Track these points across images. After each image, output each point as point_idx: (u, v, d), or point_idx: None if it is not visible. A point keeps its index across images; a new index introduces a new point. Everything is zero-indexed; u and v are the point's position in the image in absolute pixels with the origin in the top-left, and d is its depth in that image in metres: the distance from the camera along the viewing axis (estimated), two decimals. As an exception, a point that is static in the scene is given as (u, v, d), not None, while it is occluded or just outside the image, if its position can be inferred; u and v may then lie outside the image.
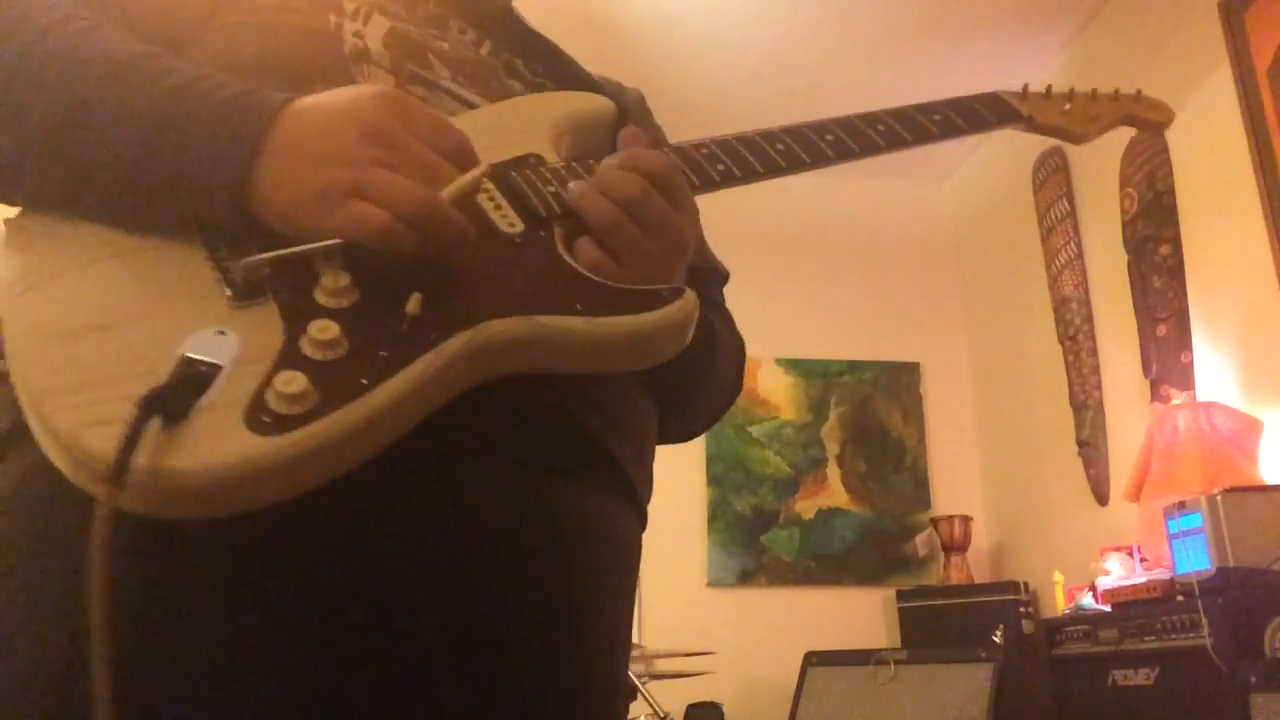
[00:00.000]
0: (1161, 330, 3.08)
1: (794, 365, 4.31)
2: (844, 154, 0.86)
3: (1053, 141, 3.75)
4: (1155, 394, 3.07)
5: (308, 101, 0.66)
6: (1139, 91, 1.08)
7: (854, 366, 4.33)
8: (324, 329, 0.59)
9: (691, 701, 3.50)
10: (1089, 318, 3.54)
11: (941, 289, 4.48)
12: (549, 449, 0.73)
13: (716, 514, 4.10)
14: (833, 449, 4.25)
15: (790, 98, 3.98)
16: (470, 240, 0.65)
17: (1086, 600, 2.79)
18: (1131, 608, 2.51)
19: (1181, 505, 2.39)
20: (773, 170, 0.82)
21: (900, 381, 4.36)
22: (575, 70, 0.97)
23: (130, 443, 0.52)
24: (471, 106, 0.83)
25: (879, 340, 4.37)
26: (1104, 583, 2.72)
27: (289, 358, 0.58)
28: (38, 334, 0.59)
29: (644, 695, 2.79)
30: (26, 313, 0.60)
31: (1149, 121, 1.09)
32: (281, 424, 0.55)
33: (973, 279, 4.42)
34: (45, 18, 0.70)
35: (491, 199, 0.72)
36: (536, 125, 0.81)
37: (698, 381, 0.93)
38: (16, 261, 0.64)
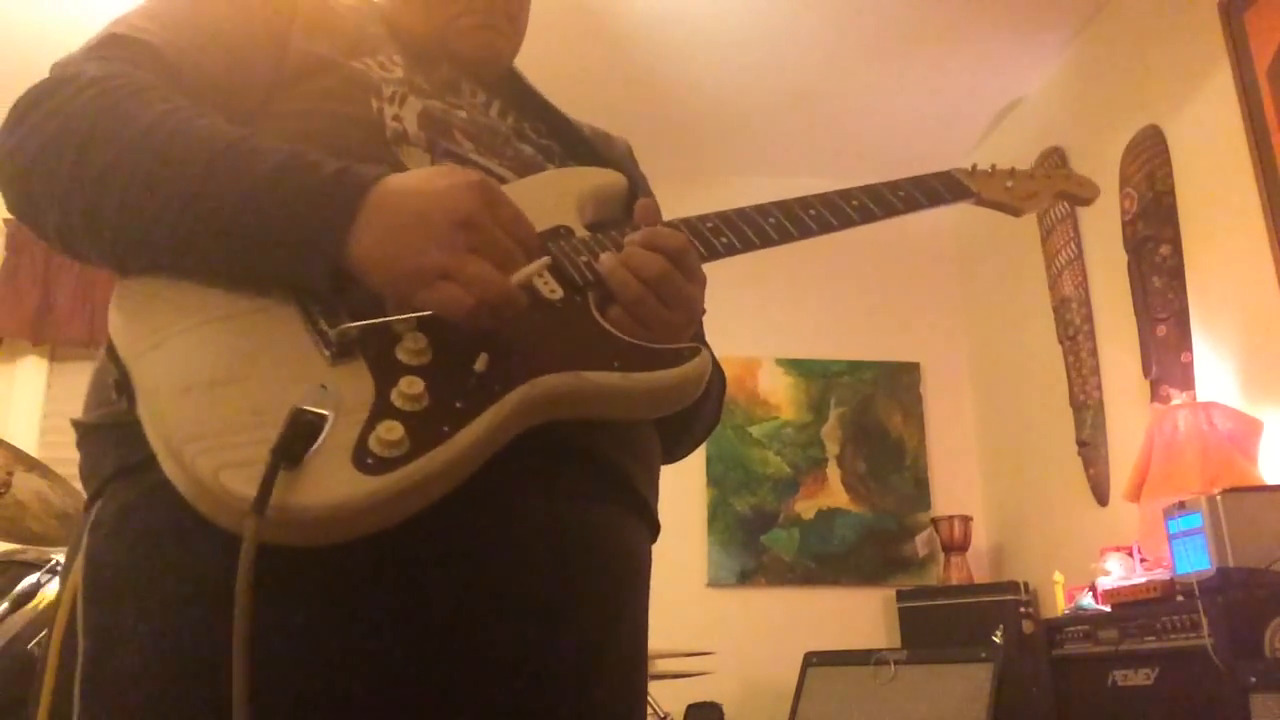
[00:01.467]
0: (1161, 330, 3.08)
1: (794, 365, 4.31)
2: (825, 227, 0.99)
3: (1052, 141, 3.77)
4: (1155, 394, 3.07)
5: (403, 182, 0.76)
6: (1069, 171, 1.22)
7: (854, 366, 4.33)
8: (412, 384, 0.70)
9: (691, 701, 3.50)
10: (1089, 318, 3.54)
11: (941, 289, 4.48)
12: (584, 480, 0.85)
13: (716, 514, 4.10)
14: (833, 449, 4.25)
15: (790, 98, 3.99)
16: (523, 311, 0.76)
17: (1086, 600, 2.79)
18: (1131, 608, 2.51)
19: (1181, 505, 2.39)
20: (767, 241, 0.95)
21: (900, 381, 4.36)
22: (571, 128, 1.10)
23: (267, 483, 0.63)
24: (493, 174, 0.95)
25: (879, 340, 4.37)
26: (1104, 583, 2.71)
27: (383, 408, 0.69)
28: (168, 389, 0.70)
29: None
30: (154, 369, 0.71)
31: (1079, 197, 1.21)
32: (383, 465, 0.66)
33: (973, 279, 4.43)
34: (158, 106, 0.79)
35: (534, 268, 0.83)
36: (564, 198, 0.94)
37: (693, 418, 1.06)
38: (135, 322, 0.75)
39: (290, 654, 0.72)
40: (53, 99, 0.81)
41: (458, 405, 0.70)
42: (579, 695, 0.83)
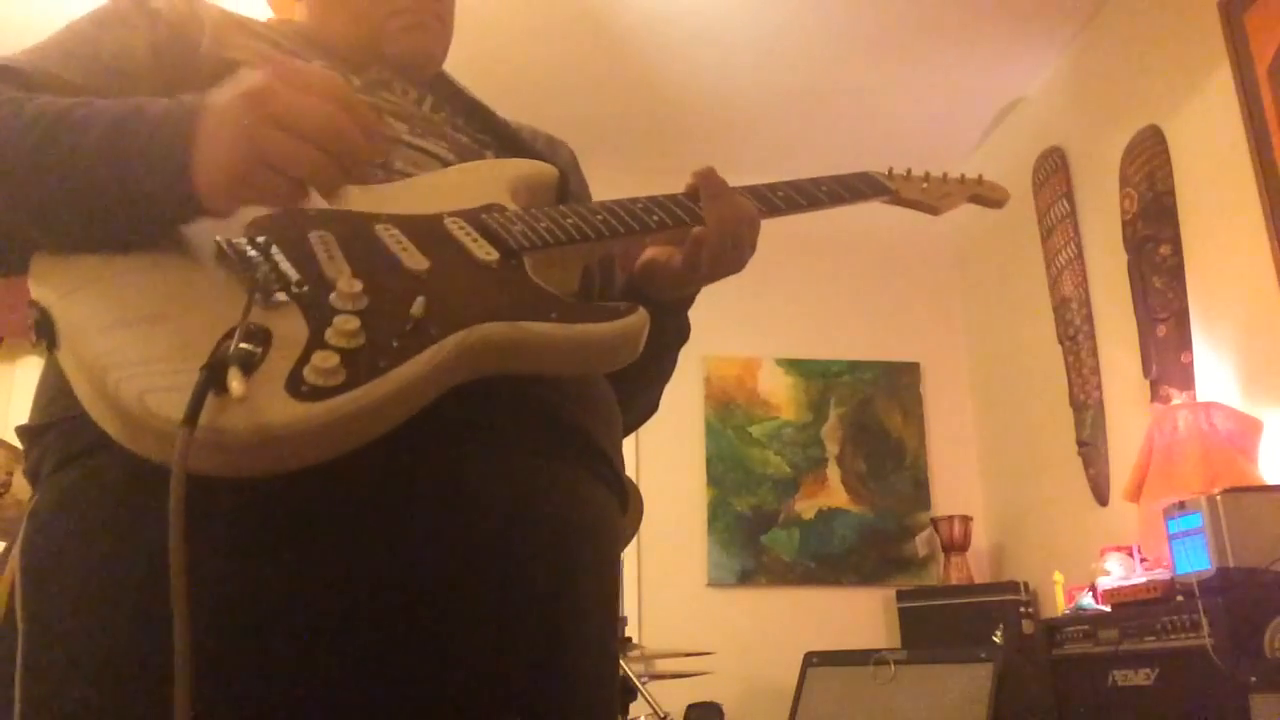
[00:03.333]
0: (1161, 330, 3.08)
1: (794, 365, 4.31)
2: (774, 210, 1.04)
3: (1053, 141, 3.77)
4: (1155, 394, 3.07)
5: (219, 95, 0.75)
6: (980, 176, 1.28)
7: (854, 366, 4.33)
8: (348, 321, 0.69)
9: (691, 701, 3.50)
10: (1089, 318, 3.54)
11: (941, 289, 4.49)
12: (543, 437, 0.85)
13: (716, 514, 4.10)
14: (833, 449, 4.25)
15: (790, 98, 3.99)
16: (381, 144, 0.77)
17: (1086, 600, 2.79)
18: (1131, 608, 2.51)
19: (1181, 505, 2.39)
20: (697, 220, 0.98)
21: (900, 381, 4.36)
22: (504, 127, 1.11)
23: (199, 397, 0.61)
24: (430, 154, 0.98)
25: (879, 340, 4.37)
26: (1104, 583, 2.72)
27: (318, 342, 0.67)
28: (93, 325, 0.68)
29: (644, 695, 2.79)
30: (78, 307, 0.70)
31: (990, 200, 1.27)
32: (318, 393, 0.64)
33: (973, 279, 4.43)
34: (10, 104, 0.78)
35: (469, 234, 0.84)
36: (497, 183, 0.95)
37: (649, 380, 1.10)
38: (58, 271, 0.73)
39: (226, 602, 0.70)
40: None
41: (394, 344, 0.69)
42: (534, 653, 0.81)
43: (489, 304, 0.76)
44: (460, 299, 0.76)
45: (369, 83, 1.03)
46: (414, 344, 0.69)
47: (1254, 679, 1.96)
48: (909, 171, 1.21)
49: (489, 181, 0.95)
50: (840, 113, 4.08)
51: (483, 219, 0.87)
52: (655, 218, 0.94)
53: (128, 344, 0.66)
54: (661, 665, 3.17)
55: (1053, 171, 3.75)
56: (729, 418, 4.22)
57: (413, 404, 0.69)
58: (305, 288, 0.72)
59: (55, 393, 0.79)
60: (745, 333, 4.24)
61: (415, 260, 0.78)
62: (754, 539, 4.10)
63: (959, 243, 4.49)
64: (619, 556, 0.97)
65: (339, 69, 1.00)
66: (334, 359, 0.65)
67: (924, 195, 1.20)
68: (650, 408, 1.15)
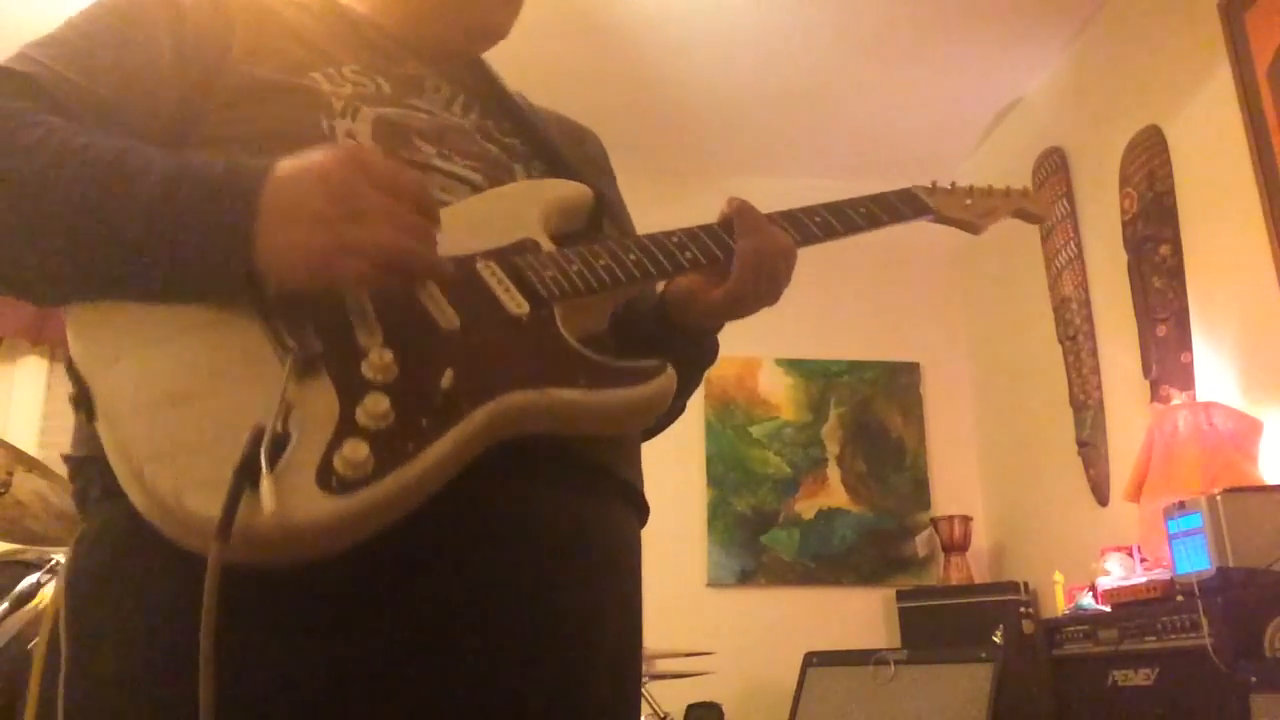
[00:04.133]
0: (1161, 330, 3.08)
1: (794, 365, 4.31)
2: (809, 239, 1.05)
3: (1052, 141, 3.76)
4: (1155, 394, 3.07)
5: (283, 175, 0.74)
6: (1026, 188, 1.24)
7: (854, 366, 4.33)
8: (377, 402, 0.69)
9: (691, 701, 3.50)
10: (1089, 318, 3.54)
11: (941, 289, 4.48)
12: (563, 469, 0.85)
13: (716, 514, 4.10)
14: (833, 449, 4.25)
15: (790, 98, 3.98)
16: (443, 272, 0.78)
17: (1086, 600, 2.79)
18: (1131, 608, 2.51)
19: (1181, 505, 2.39)
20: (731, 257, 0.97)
21: (900, 381, 4.36)
22: (535, 126, 1.08)
23: (230, 508, 0.62)
24: (458, 178, 0.95)
25: (879, 340, 4.37)
26: (1104, 583, 2.71)
27: (348, 425, 0.68)
28: (128, 406, 0.69)
29: (644, 695, 2.79)
30: (114, 384, 0.70)
31: (1034, 215, 1.25)
32: (347, 486, 0.65)
33: (973, 279, 4.43)
34: (31, 134, 0.76)
35: (500, 282, 0.83)
36: (529, 210, 0.93)
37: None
38: (93, 336, 0.73)
39: (264, 677, 0.72)
40: None
41: (424, 423, 0.70)
42: (570, 687, 0.83)
43: (517, 369, 0.77)
44: (490, 364, 0.76)
45: (400, 84, 0.99)
46: (442, 421, 0.71)
47: (1254, 679, 1.96)
48: (953, 184, 1.18)
49: (521, 210, 0.93)
50: (840, 113, 4.08)
51: (515, 262, 0.85)
52: (689, 254, 0.93)
53: (163, 430, 0.67)
54: (661, 665, 3.17)
55: (1053, 171, 3.75)
56: (729, 418, 4.22)
57: (442, 479, 0.70)
58: (336, 357, 0.72)
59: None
60: (745, 332, 4.19)
61: (447, 317, 0.78)
62: (754, 539, 4.10)
63: (959, 243, 4.48)
64: (640, 577, 0.98)
65: (375, 60, 0.99)
66: (363, 450, 0.66)
67: (966, 213, 1.18)
68: (675, 415, 1.15)
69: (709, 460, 4.15)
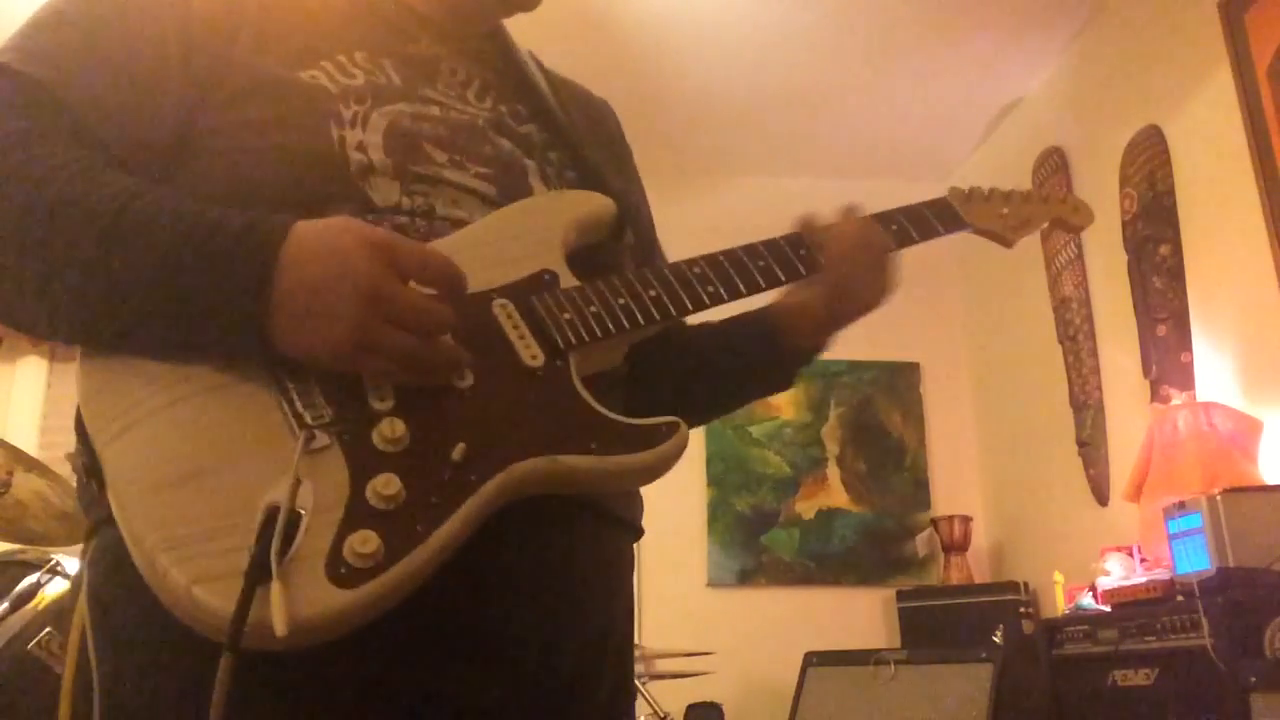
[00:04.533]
0: (1161, 330, 3.08)
1: (794, 365, 4.30)
2: (812, 266, 0.99)
3: (1052, 141, 3.76)
4: (1155, 394, 3.07)
5: (302, 247, 0.72)
6: (1065, 195, 1.19)
7: (854, 366, 4.33)
8: (387, 483, 0.69)
9: (691, 701, 3.50)
10: (1089, 318, 3.54)
11: (941, 289, 4.48)
12: (558, 504, 0.82)
13: (716, 514, 4.10)
14: (833, 449, 4.25)
15: (790, 98, 3.98)
16: (461, 367, 0.77)
17: (1086, 600, 2.79)
18: (1131, 608, 2.51)
19: (1181, 505, 2.39)
20: (759, 287, 0.95)
21: (900, 381, 4.36)
22: (551, 111, 1.03)
23: (242, 612, 0.62)
24: (469, 190, 0.90)
25: (879, 340, 4.36)
26: (1104, 583, 2.71)
27: (358, 510, 0.68)
28: (138, 486, 0.68)
29: (644, 695, 2.79)
30: (123, 459, 0.70)
31: (1073, 224, 1.20)
32: (358, 577, 0.66)
33: (973, 279, 4.42)
34: (34, 171, 0.74)
35: (516, 327, 0.82)
36: (548, 231, 0.90)
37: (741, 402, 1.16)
38: (103, 398, 0.72)
39: None
40: None
41: (433, 500, 0.70)
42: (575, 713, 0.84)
43: (529, 434, 0.76)
44: (501, 430, 0.76)
45: (413, 68, 0.94)
46: (452, 497, 0.70)
47: (1254, 679, 1.96)
48: (990, 191, 1.12)
49: (540, 233, 0.90)
50: (840, 113, 4.08)
51: (532, 304, 0.83)
52: (710, 289, 0.90)
53: (172, 513, 0.67)
54: (661, 665, 3.17)
55: (1053, 171, 3.75)
56: (729, 417, 4.21)
57: (451, 553, 0.70)
58: (347, 424, 0.72)
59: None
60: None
61: (460, 375, 0.77)
62: (754, 539, 4.09)
63: (959, 243, 4.48)
64: (632, 594, 0.98)
65: (387, 40, 0.94)
66: (374, 541, 0.66)
67: (1000, 224, 1.12)
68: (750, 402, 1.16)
69: (709, 460, 4.15)
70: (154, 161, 0.82)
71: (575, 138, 1.02)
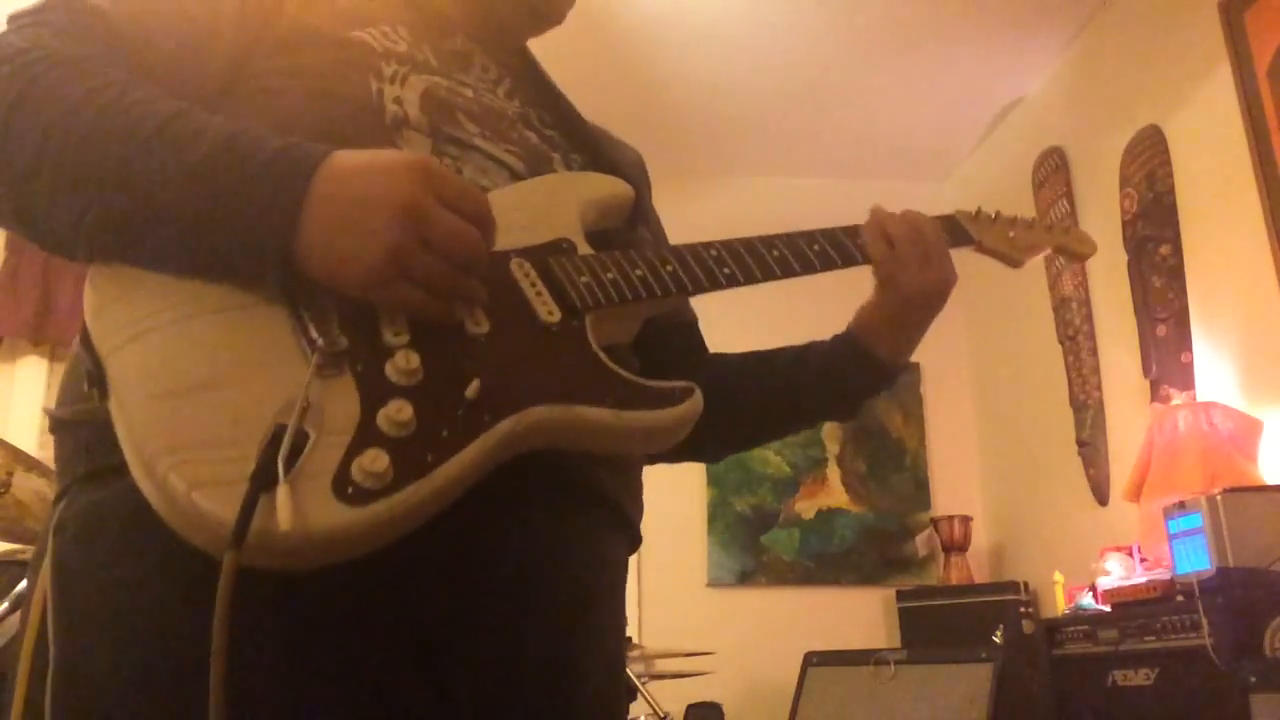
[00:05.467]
0: (1161, 330, 3.08)
1: (794, 365, 4.30)
2: (827, 264, 1.02)
3: (1052, 141, 3.76)
4: (1155, 394, 3.07)
5: (344, 165, 0.71)
6: (1069, 226, 1.22)
7: (854, 366, 4.32)
8: (400, 409, 0.67)
9: (691, 701, 3.50)
10: (1089, 318, 3.54)
11: (941, 289, 4.48)
12: (555, 492, 0.83)
13: (716, 514, 4.10)
14: (833, 449, 4.25)
15: (790, 98, 3.99)
16: (477, 306, 0.76)
17: (1086, 600, 2.79)
18: (1131, 608, 2.51)
19: (1181, 505, 2.39)
20: (769, 275, 0.95)
21: (900, 381, 4.32)
22: (577, 119, 1.06)
23: (247, 514, 0.60)
24: (499, 161, 0.92)
25: (879, 340, 4.37)
26: (1104, 583, 2.71)
27: (369, 433, 0.66)
28: (144, 391, 0.66)
29: (644, 695, 2.79)
30: (130, 366, 0.67)
31: (1076, 254, 1.24)
32: (364, 497, 0.64)
33: (973, 279, 4.39)
34: (85, 83, 0.74)
35: (534, 285, 0.82)
36: (568, 205, 0.91)
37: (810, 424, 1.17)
38: (113, 309, 0.70)
39: (262, 674, 0.71)
40: None
41: (444, 434, 0.68)
42: (549, 711, 0.82)
43: (544, 382, 0.75)
44: (517, 375, 0.74)
45: (447, 58, 0.97)
46: (464, 433, 0.69)
47: (1254, 679, 1.96)
48: (997, 214, 1.15)
49: (560, 204, 0.90)
50: (840, 113, 4.08)
51: (549, 265, 0.83)
52: (727, 270, 0.91)
53: (179, 421, 0.65)
54: (661, 665, 3.17)
55: (1053, 171, 3.75)
56: (729, 418, 4.21)
57: (458, 492, 0.69)
58: (361, 355, 0.70)
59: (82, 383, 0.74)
60: (745, 332, 4.21)
61: (476, 320, 0.76)
62: (754, 539, 4.10)
63: (959, 243, 4.49)
64: (624, 600, 0.97)
65: (425, 30, 0.97)
66: (383, 460, 0.64)
67: (1009, 246, 1.17)
68: (773, 438, 1.18)
69: (709, 460, 4.15)
70: (199, 101, 0.82)
71: (599, 148, 1.04)
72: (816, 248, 1.00)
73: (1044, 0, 3.47)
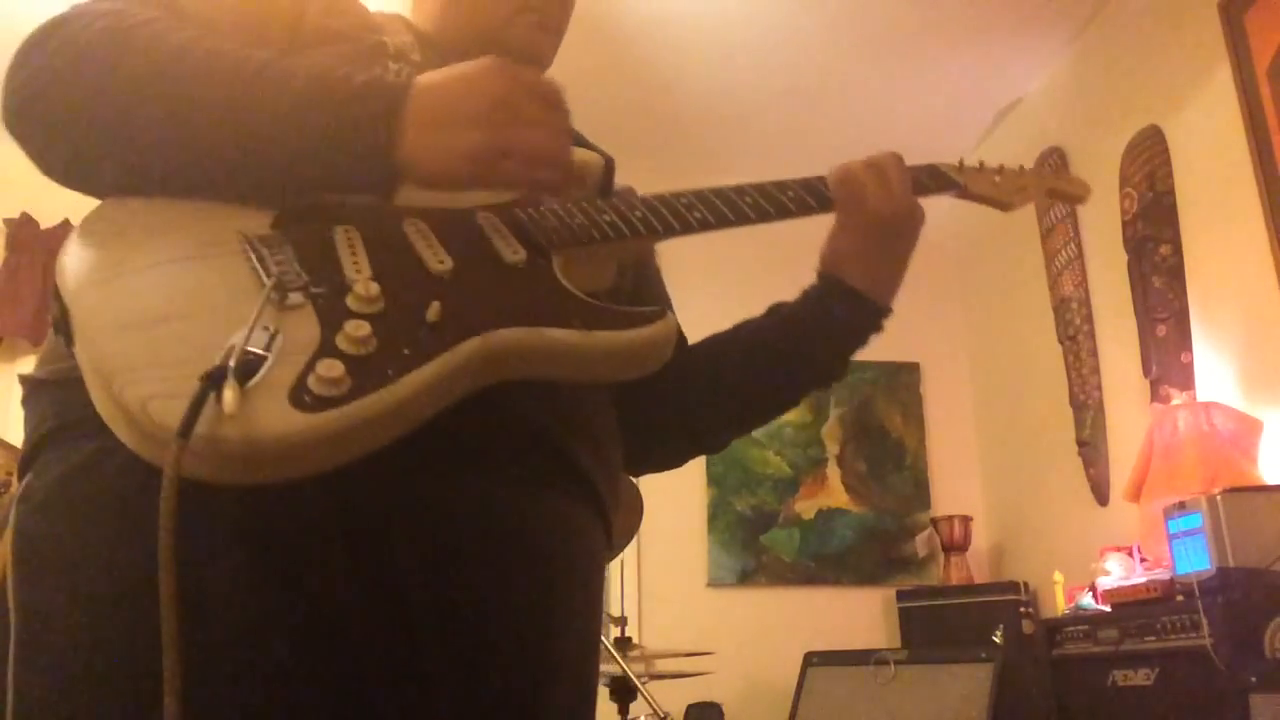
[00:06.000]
0: (1161, 330, 3.08)
1: (794, 365, 4.30)
2: (803, 208, 1.01)
3: (1053, 141, 3.76)
4: (1155, 394, 3.07)
5: (431, 78, 0.79)
6: (1061, 168, 1.17)
7: (854, 366, 4.25)
8: (358, 327, 0.67)
9: (691, 701, 3.50)
10: (1089, 318, 3.54)
11: (941, 289, 4.48)
12: (526, 463, 0.83)
13: (716, 514, 4.10)
14: (833, 449, 4.25)
15: (790, 98, 3.99)
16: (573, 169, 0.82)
17: (1086, 600, 2.79)
18: (1131, 608, 2.51)
19: (1181, 505, 2.39)
20: (742, 219, 0.95)
21: (900, 381, 4.36)
22: (582, 140, 1.08)
23: (195, 410, 0.60)
24: None
25: (879, 340, 4.36)
26: (1104, 583, 2.71)
27: (327, 350, 0.66)
28: (108, 323, 0.67)
29: (644, 695, 2.79)
30: (96, 304, 0.69)
31: (1069, 195, 1.20)
32: (320, 404, 0.63)
33: (973, 279, 4.43)
34: (183, 33, 0.80)
35: (498, 230, 0.82)
36: None
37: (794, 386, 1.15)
38: (88, 260, 0.72)
39: (221, 612, 0.70)
40: (64, 29, 0.79)
41: (405, 351, 0.67)
42: (520, 688, 0.81)
43: (509, 307, 0.74)
44: (480, 302, 0.74)
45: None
46: (426, 350, 0.68)
47: (1254, 679, 1.96)
48: (981, 164, 1.16)
49: None
50: (840, 112, 4.08)
51: (515, 214, 0.85)
52: (697, 215, 0.91)
53: (139, 347, 0.66)
54: (661, 665, 3.17)
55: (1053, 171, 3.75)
56: (729, 418, 4.21)
57: (422, 412, 0.67)
58: (321, 289, 0.71)
59: (65, 349, 0.76)
60: (729, 321, 4.23)
61: (439, 260, 0.76)
62: (754, 539, 4.10)
63: (959, 243, 4.49)
64: (601, 583, 0.95)
65: (432, 56, 1.00)
66: (339, 368, 0.64)
67: (995, 190, 1.15)
68: (776, 413, 1.17)
69: (709, 460, 4.14)
70: None
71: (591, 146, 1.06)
72: (790, 194, 1.00)
73: (1044, 0, 3.47)
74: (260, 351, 0.64)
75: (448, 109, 0.77)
